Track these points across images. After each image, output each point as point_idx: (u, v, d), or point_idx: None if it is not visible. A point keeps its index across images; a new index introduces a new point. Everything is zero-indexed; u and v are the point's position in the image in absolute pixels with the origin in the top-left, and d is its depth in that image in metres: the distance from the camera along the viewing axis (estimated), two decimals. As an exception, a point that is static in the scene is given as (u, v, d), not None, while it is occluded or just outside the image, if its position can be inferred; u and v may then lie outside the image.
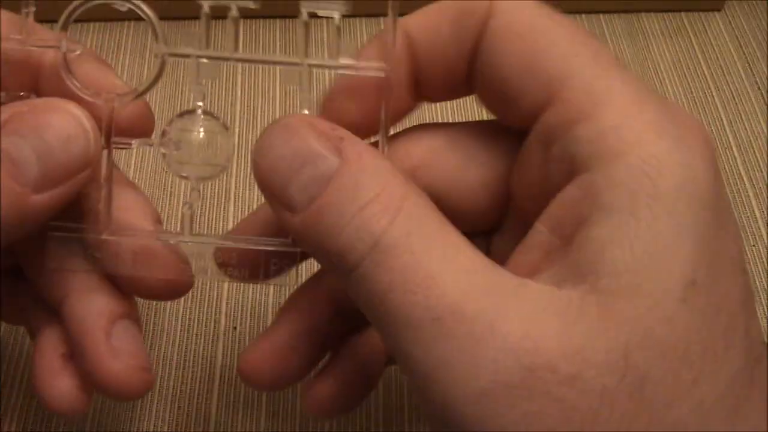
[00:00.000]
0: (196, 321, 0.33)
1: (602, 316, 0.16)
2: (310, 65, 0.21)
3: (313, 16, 0.21)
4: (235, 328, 0.33)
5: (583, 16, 0.45)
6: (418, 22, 0.21)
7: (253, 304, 0.34)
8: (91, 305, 0.22)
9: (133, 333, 0.22)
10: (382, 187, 0.18)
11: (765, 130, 0.40)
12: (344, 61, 0.20)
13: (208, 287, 0.34)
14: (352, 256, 0.17)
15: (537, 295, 0.17)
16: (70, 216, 0.21)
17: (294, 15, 0.43)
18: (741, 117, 0.41)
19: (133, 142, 0.21)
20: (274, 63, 0.21)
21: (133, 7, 0.20)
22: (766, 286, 0.35)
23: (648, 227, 0.16)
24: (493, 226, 0.22)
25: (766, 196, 0.38)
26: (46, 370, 0.22)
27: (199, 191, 0.22)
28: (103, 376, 0.21)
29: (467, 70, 0.20)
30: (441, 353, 0.16)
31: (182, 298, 0.33)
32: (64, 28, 0.20)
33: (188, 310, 0.33)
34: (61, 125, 0.19)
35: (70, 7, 0.20)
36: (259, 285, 0.34)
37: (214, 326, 0.33)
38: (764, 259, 0.36)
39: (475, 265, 0.17)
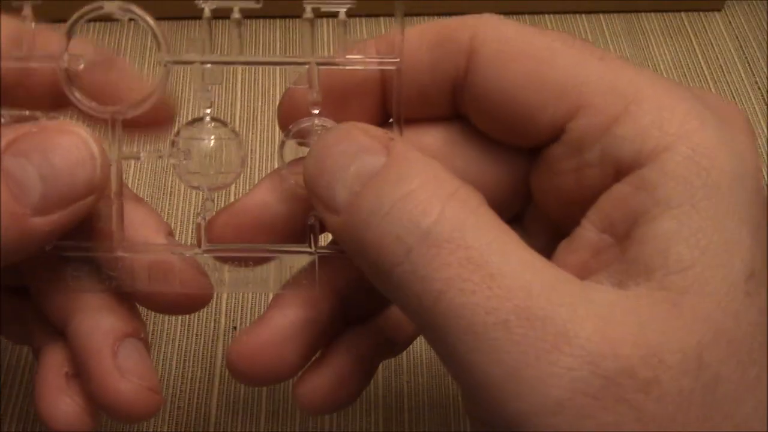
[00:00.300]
0: (196, 321, 0.33)
1: (674, 315, 0.16)
2: (318, 63, 0.20)
3: (317, 13, 0.20)
4: (235, 328, 0.33)
5: (583, 16, 0.45)
6: (411, 37, 0.20)
7: (253, 304, 0.34)
8: (98, 324, 0.21)
9: (141, 352, 0.22)
10: (430, 176, 0.17)
11: (765, 130, 0.40)
12: (352, 57, 0.20)
13: (208, 287, 0.34)
14: (397, 249, 0.16)
15: (605, 296, 0.16)
16: (82, 236, 0.21)
17: (295, 15, 0.43)
18: (741, 117, 0.41)
19: (141, 153, 0.21)
20: (281, 64, 0.21)
21: (134, 17, 0.20)
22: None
23: (710, 219, 0.16)
24: (510, 220, 0.22)
25: (766, 196, 0.38)
26: (49, 389, 0.22)
27: (213, 201, 0.21)
28: (110, 396, 0.21)
29: (451, 96, 0.20)
30: (510, 361, 0.15)
31: (182, 298, 0.33)
32: (67, 37, 0.20)
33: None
34: (69, 149, 0.19)
35: (72, 19, 0.19)
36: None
37: (214, 326, 0.33)
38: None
39: (537, 263, 0.16)
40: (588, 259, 0.18)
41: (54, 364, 0.22)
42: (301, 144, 0.21)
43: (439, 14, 0.44)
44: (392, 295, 0.17)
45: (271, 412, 0.31)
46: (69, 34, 0.20)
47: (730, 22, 0.45)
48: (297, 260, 0.21)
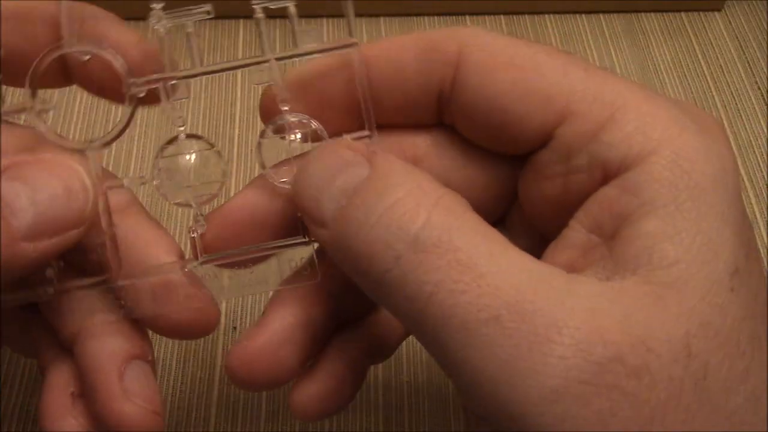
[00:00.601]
0: (196, 321, 0.33)
1: (660, 306, 0.16)
2: (276, 59, 0.21)
3: (269, 12, 0.21)
4: (235, 328, 0.33)
5: (583, 16, 0.45)
6: (379, 52, 0.21)
7: (253, 304, 0.34)
8: (105, 345, 0.21)
9: (147, 374, 0.22)
10: (414, 184, 0.17)
11: (765, 130, 0.40)
12: (308, 46, 0.21)
13: (208, 287, 0.34)
14: (386, 256, 0.17)
15: (591, 288, 0.17)
16: (87, 268, 0.21)
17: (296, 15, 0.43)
18: (741, 117, 0.41)
19: (125, 180, 0.21)
20: (241, 66, 0.21)
21: (100, 53, 0.20)
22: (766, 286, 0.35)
23: (693, 219, 0.17)
24: (494, 221, 0.22)
25: (766, 196, 0.38)
26: (54, 408, 0.22)
27: (202, 215, 0.21)
28: (114, 418, 0.21)
29: (437, 105, 0.21)
30: (503, 354, 0.16)
31: (182, 298, 0.33)
32: (32, 88, 0.20)
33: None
34: (63, 180, 0.19)
35: (34, 65, 0.19)
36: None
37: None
38: (764, 259, 0.36)
39: (524, 260, 0.17)
40: (576, 258, 0.18)
41: (60, 383, 0.22)
42: (279, 136, 0.21)
43: (440, 14, 0.44)
44: (384, 301, 0.18)
45: (271, 413, 0.31)
46: (34, 83, 0.20)
47: (730, 22, 0.45)
48: (294, 254, 0.21)
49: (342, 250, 0.18)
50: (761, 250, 0.36)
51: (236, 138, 0.39)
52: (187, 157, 0.21)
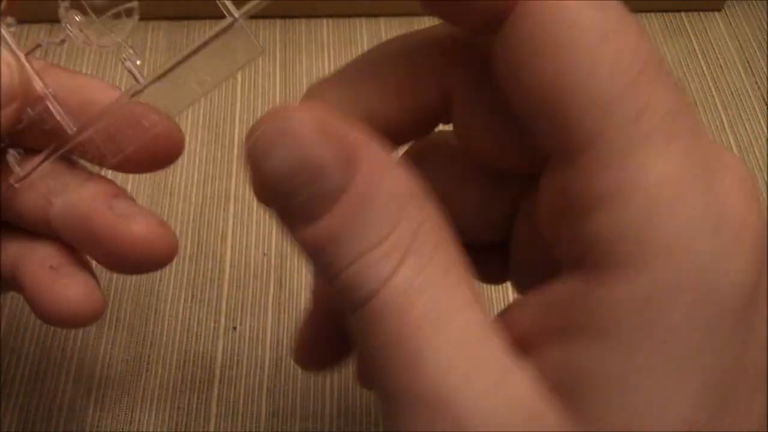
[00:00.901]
0: (196, 321, 0.33)
1: None
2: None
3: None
4: (234, 328, 0.33)
5: (583, 16, 0.45)
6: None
7: (253, 304, 0.34)
8: (84, 193, 0.21)
9: (133, 203, 0.22)
10: (394, 220, 0.15)
11: (765, 131, 0.40)
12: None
13: (208, 287, 0.34)
14: (354, 299, 0.15)
15: (517, 401, 0.15)
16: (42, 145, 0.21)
17: (295, 15, 0.43)
18: (741, 117, 0.41)
19: (40, 40, 0.21)
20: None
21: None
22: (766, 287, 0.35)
23: (647, 359, 0.14)
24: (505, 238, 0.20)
25: (767, 196, 0.38)
26: (41, 283, 0.21)
27: (130, 46, 0.20)
28: (126, 243, 0.20)
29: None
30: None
31: (182, 299, 0.33)
32: None
33: (188, 310, 0.33)
34: None
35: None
36: (259, 285, 0.34)
37: (214, 326, 0.33)
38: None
39: (469, 336, 0.15)
40: (534, 332, 0.16)
41: (36, 264, 0.22)
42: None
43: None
44: (347, 323, 0.16)
45: (271, 412, 0.31)
46: None
47: (730, 22, 0.45)
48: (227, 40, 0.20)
49: (316, 267, 0.16)
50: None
51: (236, 138, 0.39)
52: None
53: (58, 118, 0.21)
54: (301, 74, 0.41)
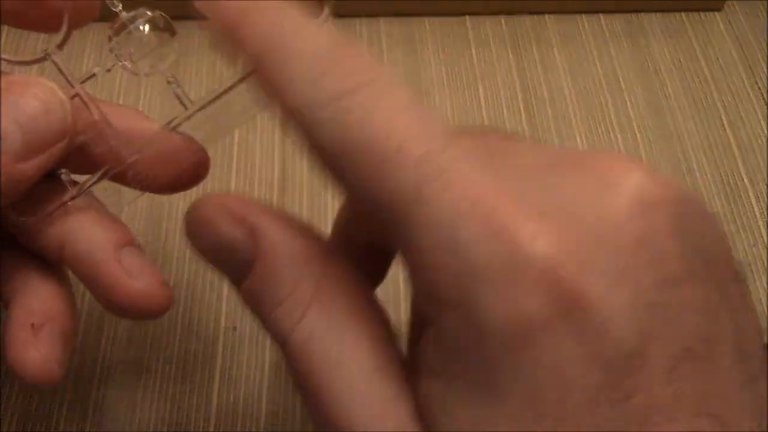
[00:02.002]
0: (196, 321, 0.33)
1: None
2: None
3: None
4: (234, 328, 0.33)
5: (583, 16, 0.45)
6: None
7: (253, 304, 0.34)
8: (94, 239, 0.22)
9: (140, 255, 0.23)
10: (294, 285, 0.18)
11: (765, 131, 0.40)
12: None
13: (208, 288, 0.34)
14: (276, 342, 0.19)
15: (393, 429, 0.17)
16: (90, 168, 0.22)
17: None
18: (741, 117, 0.41)
19: (95, 69, 0.22)
20: None
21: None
22: (766, 286, 0.35)
23: (459, 387, 0.17)
24: None
25: (766, 196, 0.38)
26: (16, 340, 0.23)
27: (174, 76, 0.22)
28: (126, 298, 0.22)
29: None
30: None
31: (182, 299, 0.33)
32: None
33: (188, 310, 0.33)
34: (40, 98, 0.20)
35: None
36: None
37: (214, 326, 0.33)
38: (764, 259, 0.36)
39: (361, 374, 0.18)
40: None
41: (21, 315, 0.23)
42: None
43: (440, 14, 0.44)
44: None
45: (271, 412, 0.31)
46: None
47: (730, 22, 0.45)
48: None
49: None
50: (761, 250, 0.36)
51: (236, 137, 0.39)
52: (140, 28, 0.21)
53: (113, 143, 0.22)
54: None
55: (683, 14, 0.45)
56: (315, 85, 0.17)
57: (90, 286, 0.23)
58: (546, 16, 0.44)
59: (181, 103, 0.22)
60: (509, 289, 0.16)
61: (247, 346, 0.32)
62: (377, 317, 0.19)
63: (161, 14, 0.22)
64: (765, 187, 0.38)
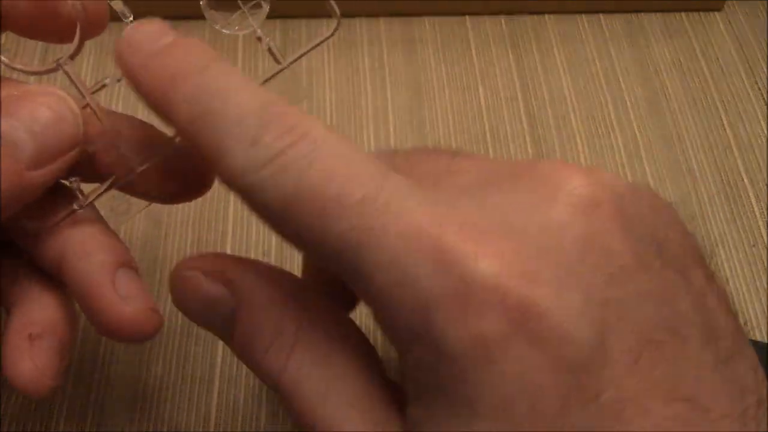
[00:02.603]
0: (196, 321, 0.33)
1: None
2: None
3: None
4: (235, 328, 0.33)
5: (583, 16, 0.45)
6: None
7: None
8: (92, 259, 0.23)
9: (135, 279, 0.23)
10: (278, 332, 0.20)
11: (765, 131, 0.40)
12: None
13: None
14: (269, 385, 0.20)
15: None
16: (96, 177, 0.23)
17: (295, 15, 0.43)
18: (741, 117, 0.41)
19: (106, 80, 0.22)
20: None
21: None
22: (766, 286, 0.35)
23: (442, 410, 0.17)
24: None
25: (766, 196, 0.38)
26: (13, 350, 0.23)
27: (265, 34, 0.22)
28: (116, 321, 0.22)
29: None
30: None
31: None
32: None
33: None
34: (52, 108, 0.21)
35: None
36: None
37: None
38: (764, 259, 0.36)
39: (350, 402, 0.19)
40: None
41: (20, 325, 0.23)
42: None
43: (440, 14, 0.44)
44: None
45: (271, 413, 0.31)
46: None
47: (730, 22, 0.45)
48: None
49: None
50: (761, 250, 0.36)
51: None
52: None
53: (123, 152, 0.22)
54: (300, 74, 0.41)
55: (683, 14, 0.45)
56: (251, 148, 0.18)
57: (81, 303, 0.23)
58: (546, 16, 0.44)
59: (275, 59, 0.22)
60: (463, 313, 0.16)
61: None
62: (360, 346, 0.20)
63: None
64: (765, 187, 0.38)
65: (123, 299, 0.22)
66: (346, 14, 0.44)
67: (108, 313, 0.22)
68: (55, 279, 0.24)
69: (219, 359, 0.32)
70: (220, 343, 0.32)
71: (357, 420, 0.19)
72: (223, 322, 0.20)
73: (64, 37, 0.22)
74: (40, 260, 0.23)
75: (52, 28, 0.22)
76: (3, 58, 0.21)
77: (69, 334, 0.24)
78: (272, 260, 0.35)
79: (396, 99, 0.40)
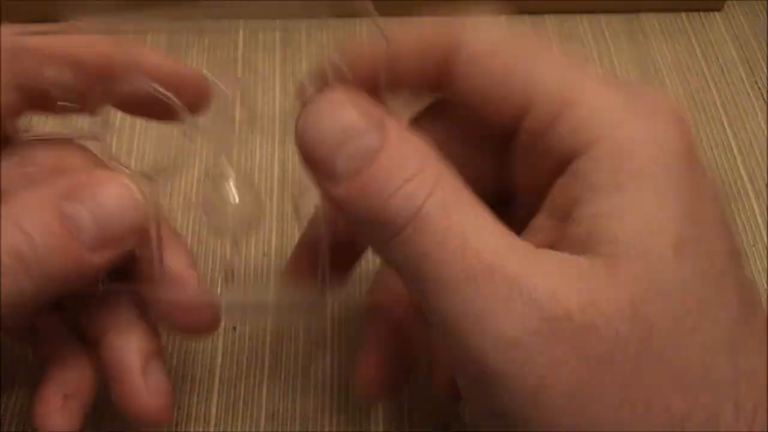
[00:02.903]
0: (196, 321, 0.33)
1: (607, 275, 0.18)
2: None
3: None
4: (234, 328, 0.33)
5: (583, 16, 0.45)
6: (400, 33, 0.24)
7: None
8: (130, 344, 0.25)
9: (162, 371, 0.25)
10: (420, 165, 0.20)
11: (765, 130, 0.40)
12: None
13: (208, 287, 0.34)
14: (395, 225, 0.19)
15: (551, 259, 0.19)
16: (128, 275, 0.24)
17: (294, 15, 0.43)
18: (741, 117, 0.41)
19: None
20: None
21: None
22: (766, 286, 0.35)
23: (633, 198, 0.19)
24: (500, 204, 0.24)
25: (766, 196, 0.38)
26: (47, 405, 0.25)
27: (239, 251, 0.24)
28: (138, 409, 0.24)
29: (437, 79, 0.22)
30: (476, 310, 0.18)
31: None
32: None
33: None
34: (117, 196, 0.22)
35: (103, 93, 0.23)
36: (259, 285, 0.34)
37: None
38: (764, 259, 0.36)
39: (502, 232, 0.19)
40: (541, 241, 0.21)
41: (56, 384, 0.25)
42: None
43: (439, 14, 0.44)
44: (386, 257, 0.21)
45: (271, 413, 0.31)
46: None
47: (730, 22, 0.45)
48: None
49: (354, 212, 0.20)
50: (761, 250, 0.36)
51: (236, 138, 0.39)
52: (230, 198, 0.24)
53: (156, 272, 0.24)
54: (301, 74, 0.40)
55: (683, 14, 0.45)
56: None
57: (110, 378, 0.25)
58: (546, 16, 0.44)
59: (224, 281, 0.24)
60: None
61: (247, 346, 0.32)
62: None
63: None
64: (765, 187, 0.38)
65: (151, 392, 0.24)
66: (346, 14, 0.44)
67: (133, 400, 0.24)
68: (90, 343, 0.25)
69: (219, 359, 0.32)
70: (220, 342, 0.32)
71: (509, 246, 0.19)
72: (358, 152, 0.20)
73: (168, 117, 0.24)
74: (83, 325, 0.25)
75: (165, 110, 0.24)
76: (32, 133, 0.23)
77: (93, 396, 0.26)
78: (272, 261, 0.35)
79: (396, 99, 0.40)
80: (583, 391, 0.18)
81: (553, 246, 0.20)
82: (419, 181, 0.19)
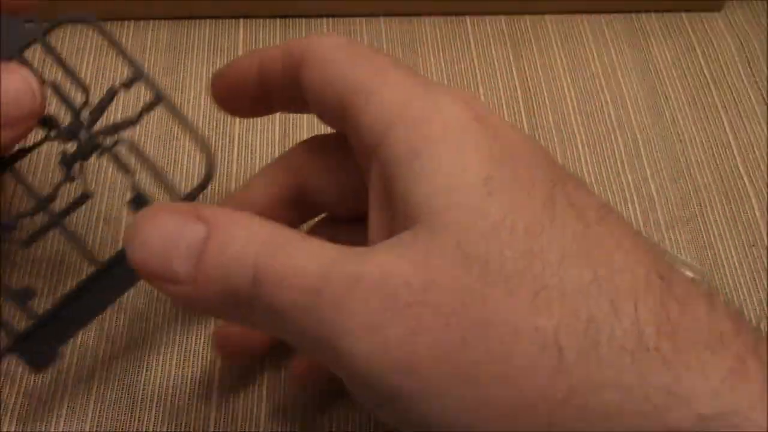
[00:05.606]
0: (195, 321, 0.33)
1: (432, 233, 0.20)
2: None
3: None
4: (235, 328, 0.33)
5: (584, 16, 0.45)
6: (268, 53, 0.26)
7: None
8: None
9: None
10: (246, 232, 0.21)
11: (765, 130, 0.40)
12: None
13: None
14: (240, 295, 0.21)
15: (381, 247, 0.20)
16: None
17: (295, 15, 0.43)
18: (741, 117, 0.41)
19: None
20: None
21: None
22: (766, 286, 0.35)
23: (432, 160, 0.20)
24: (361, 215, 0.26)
25: (767, 195, 0.38)
26: None
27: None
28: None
29: (296, 94, 0.25)
30: (323, 315, 0.20)
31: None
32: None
33: (188, 310, 0.33)
34: (16, 82, 0.24)
35: None
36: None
37: (214, 326, 0.33)
38: (764, 259, 0.36)
39: (325, 251, 0.21)
40: (381, 234, 0.22)
41: None
42: None
43: (439, 14, 0.44)
44: (254, 321, 0.22)
45: (271, 413, 0.31)
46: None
47: (730, 22, 0.45)
48: None
49: (202, 300, 0.21)
50: (761, 250, 0.36)
51: (236, 136, 0.39)
52: None
53: None
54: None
55: (683, 14, 0.45)
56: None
57: None
58: (546, 16, 0.45)
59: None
60: None
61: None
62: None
63: None
64: (765, 187, 0.38)
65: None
66: (346, 14, 0.44)
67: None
68: None
69: (219, 359, 0.32)
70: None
71: (335, 256, 0.21)
72: (189, 248, 0.21)
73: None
74: None
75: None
76: None
77: None
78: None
79: (396, 99, 0.40)
80: (450, 344, 0.19)
81: (392, 233, 0.21)
82: (249, 249, 0.21)
